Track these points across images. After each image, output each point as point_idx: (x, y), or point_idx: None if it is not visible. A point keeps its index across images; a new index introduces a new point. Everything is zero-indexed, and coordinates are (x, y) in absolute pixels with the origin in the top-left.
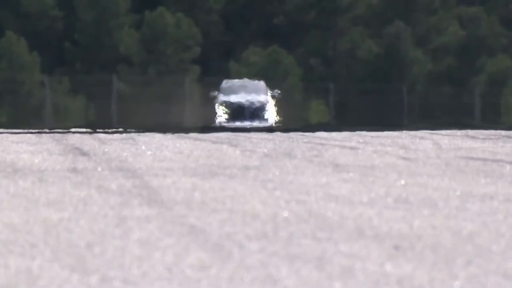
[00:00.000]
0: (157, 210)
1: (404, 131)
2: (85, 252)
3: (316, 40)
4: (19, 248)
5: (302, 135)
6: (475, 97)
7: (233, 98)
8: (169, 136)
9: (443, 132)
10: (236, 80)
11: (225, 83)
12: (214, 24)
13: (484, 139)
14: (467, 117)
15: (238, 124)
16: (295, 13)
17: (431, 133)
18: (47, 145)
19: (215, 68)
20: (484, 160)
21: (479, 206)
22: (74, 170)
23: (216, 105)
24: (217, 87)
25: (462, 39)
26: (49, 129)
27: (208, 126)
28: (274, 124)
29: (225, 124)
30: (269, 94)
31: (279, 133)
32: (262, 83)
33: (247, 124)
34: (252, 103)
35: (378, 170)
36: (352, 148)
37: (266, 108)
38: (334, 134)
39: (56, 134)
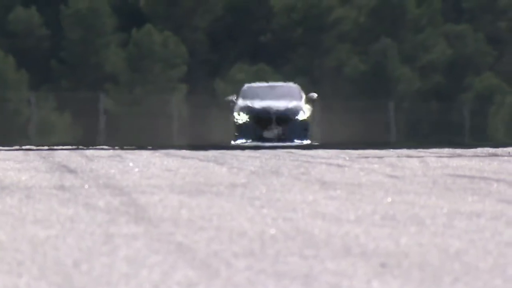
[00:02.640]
0: (144, 227)
1: (391, 149)
2: (72, 270)
3: (302, 58)
4: (6, 265)
5: (288, 152)
6: (463, 115)
7: (260, 105)
8: (156, 153)
9: (430, 150)
10: (262, 83)
11: (247, 87)
12: (201, 43)
13: (471, 156)
14: (454, 134)
15: (265, 143)
16: (281, 31)
17: (418, 151)
18: (34, 163)
19: (201, 87)
20: (471, 177)
21: (466, 223)
22: (61, 187)
23: (235, 113)
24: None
25: (449, 57)
26: (35, 146)
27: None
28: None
29: (245, 142)
30: (304, 100)
31: (265, 151)
32: (295, 87)
33: (278, 143)
34: (285, 112)
35: (365, 188)
36: (339, 165)
37: (304, 117)
38: (321, 152)
39: (42, 152)
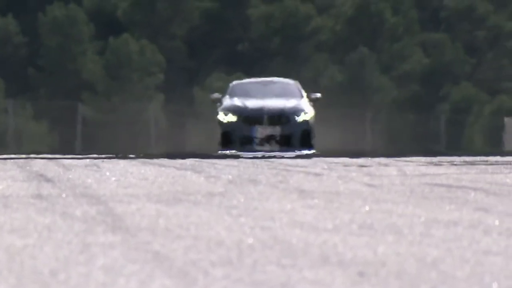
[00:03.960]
0: (122, 236)
1: (368, 158)
2: (49, 279)
3: (279, 67)
4: None
5: (266, 161)
6: (440, 124)
7: (251, 104)
8: (133, 162)
9: (408, 158)
10: (253, 79)
11: (236, 84)
12: (178, 51)
13: (449, 165)
14: (432, 144)
15: (256, 152)
16: (258, 40)
17: (395, 160)
18: (11, 172)
19: (179, 95)
20: (449, 186)
21: (444, 232)
22: (38, 196)
23: (220, 113)
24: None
25: (426, 66)
26: (14, 155)
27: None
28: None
29: (234, 152)
30: (305, 99)
31: (243, 160)
32: (293, 83)
33: (276, 153)
34: (282, 113)
35: (343, 197)
36: (316, 174)
37: (307, 119)
38: (299, 160)
39: (19, 160)
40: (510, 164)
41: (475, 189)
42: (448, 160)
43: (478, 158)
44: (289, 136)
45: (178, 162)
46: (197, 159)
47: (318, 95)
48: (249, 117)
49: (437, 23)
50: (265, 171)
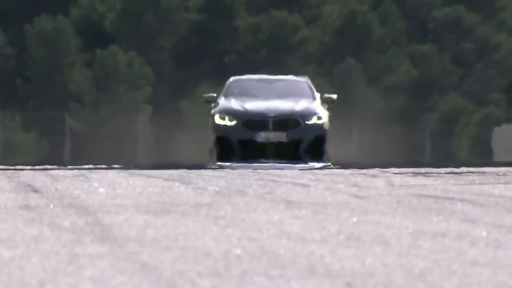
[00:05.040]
0: (110, 247)
1: (356, 169)
2: None
3: None
4: None
5: (253, 172)
6: (426, 135)
7: (252, 107)
8: (121, 173)
9: (395, 170)
10: (255, 76)
11: (234, 81)
12: (166, 63)
13: (436, 177)
14: (419, 155)
15: (260, 163)
16: (246, 51)
17: (383, 171)
18: None
19: (167, 107)
20: (436, 198)
21: (431, 243)
22: (26, 207)
23: (215, 116)
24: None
25: (413, 78)
26: (2, 165)
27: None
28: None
29: (231, 164)
30: (318, 100)
31: (230, 171)
32: (304, 81)
33: (280, 165)
34: (291, 116)
35: (330, 208)
36: (304, 185)
37: (319, 123)
38: (287, 172)
39: (7, 171)
40: (498, 175)
41: (462, 200)
42: (436, 171)
43: (465, 169)
44: (298, 143)
45: (166, 173)
46: (185, 170)
47: (334, 96)
48: (250, 122)
49: (424, 34)
50: (252, 182)
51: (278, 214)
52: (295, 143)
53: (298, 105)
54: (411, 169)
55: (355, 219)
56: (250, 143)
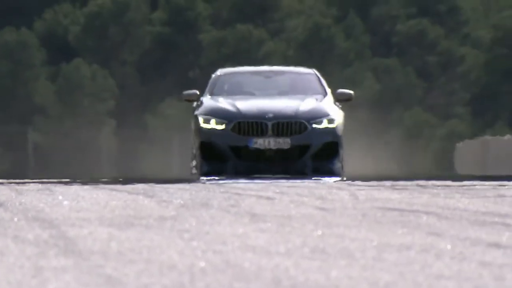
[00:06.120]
0: (74, 260)
1: (321, 182)
2: None
3: None
4: None
5: (218, 184)
6: (389, 149)
7: (246, 106)
8: (85, 186)
9: (360, 182)
10: (249, 68)
11: (223, 74)
12: (130, 76)
13: (401, 190)
14: (382, 168)
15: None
16: (210, 65)
17: (348, 184)
18: None
19: (131, 121)
20: (401, 210)
21: (396, 256)
22: None
23: (199, 119)
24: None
25: (377, 91)
26: None
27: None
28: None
29: (219, 179)
30: (330, 97)
31: (195, 183)
32: (312, 74)
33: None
34: (295, 118)
35: (295, 220)
36: (268, 198)
37: (331, 127)
38: (251, 184)
39: None
40: (462, 188)
41: (427, 213)
42: (401, 184)
43: (430, 183)
44: (304, 153)
45: (130, 186)
46: (148, 183)
47: (350, 92)
48: (243, 125)
49: (388, 48)
50: (217, 195)
51: (242, 227)
52: (300, 152)
53: (304, 103)
54: (376, 182)
55: (319, 232)
56: (243, 152)
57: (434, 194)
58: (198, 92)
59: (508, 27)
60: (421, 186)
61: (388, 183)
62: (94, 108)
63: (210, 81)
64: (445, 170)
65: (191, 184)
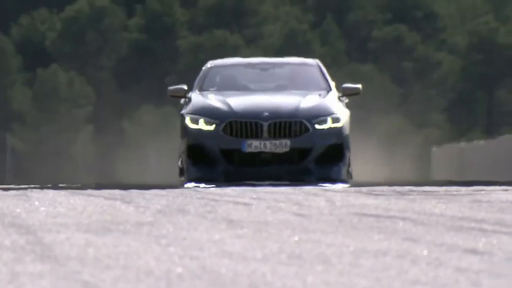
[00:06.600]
0: (51, 266)
1: (297, 188)
2: None
3: None
4: None
5: (195, 190)
6: (368, 154)
7: (239, 104)
8: (62, 192)
9: (336, 188)
10: (243, 60)
11: (214, 67)
12: (106, 82)
13: (377, 195)
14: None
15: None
16: (187, 71)
17: (324, 190)
18: None
19: (108, 127)
20: (377, 216)
21: (373, 262)
22: None
23: (186, 118)
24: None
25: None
26: None
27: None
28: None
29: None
30: (335, 92)
31: (171, 189)
32: (314, 65)
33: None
34: (295, 116)
35: (272, 226)
36: (245, 204)
37: (340, 131)
38: (228, 190)
39: None
40: (438, 193)
41: (404, 219)
42: (377, 190)
43: (406, 188)
44: (305, 156)
45: (107, 192)
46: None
47: (358, 86)
48: (236, 126)
49: (365, 54)
50: (194, 201)
51: (219, 233)
52: (301, 156)
53: (306, 100)
54: (353, 188)
55: (296, 238)
56: (235, 156)
57: (411, 199)
58: (185, 87)
59: (484, 34)
60: (397, 191)
61: (364, 189)
62: (71, 114)
63: (200, 75)
64: (422, 177)
65: (168, 190)
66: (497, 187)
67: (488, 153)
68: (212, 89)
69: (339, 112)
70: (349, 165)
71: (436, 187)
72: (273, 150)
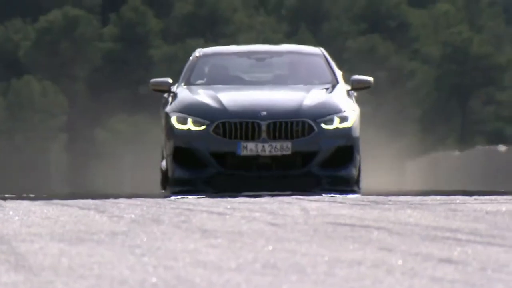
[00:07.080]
0: (25, 275)
1: (272, 197)
2: None
3: None
4: None
5: (169, 200)
6: None
7: (233, 100)
8: (36, 202)
9: (311, 197)
10: (237, 48)
11: (203, 56)
12: (80, 92)
13: (352, 205)
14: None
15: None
16: None
17: (299, 199)
18: None
19: (82, 136)
20: (352, 226)
21: (347, 271)
22: None
23: (172, 117)
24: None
25: None
26: None
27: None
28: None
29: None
30: (343, 85)
31: (146, 199)
32: (319, 54)
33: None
34: (297, 114)
35: (246, 236)
36: (220, 213)
37: (349, 131)
38: (202, 200)
39: None
40: (413, 203)
41: (378, 229)
42: (352, 199)
43: (381, 198)
44: (309, 160)
45: (81, 201)
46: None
47: (369, 79)
48: (229, 126)
49: (339, 63)
50: (168, 210)
51: (193, 243)
52: (304, 160)
53: (310, 96)
54: (328, 197)
55: (271, 247)
56: (229, 161)
57: (385, 209)
58: (170, 80)
59: (457, 43)
60: (372, 201)
61: (339, 198)
62: (45, 124)
63: (187, 65)
64: (396, 186)
65: (142, 199)
66: (471, 197)
67: (463, 163)
68: (201, 81)
69: (348, 110)
70: (359, 172)
71: (410, 196)
72: (273, 153)
